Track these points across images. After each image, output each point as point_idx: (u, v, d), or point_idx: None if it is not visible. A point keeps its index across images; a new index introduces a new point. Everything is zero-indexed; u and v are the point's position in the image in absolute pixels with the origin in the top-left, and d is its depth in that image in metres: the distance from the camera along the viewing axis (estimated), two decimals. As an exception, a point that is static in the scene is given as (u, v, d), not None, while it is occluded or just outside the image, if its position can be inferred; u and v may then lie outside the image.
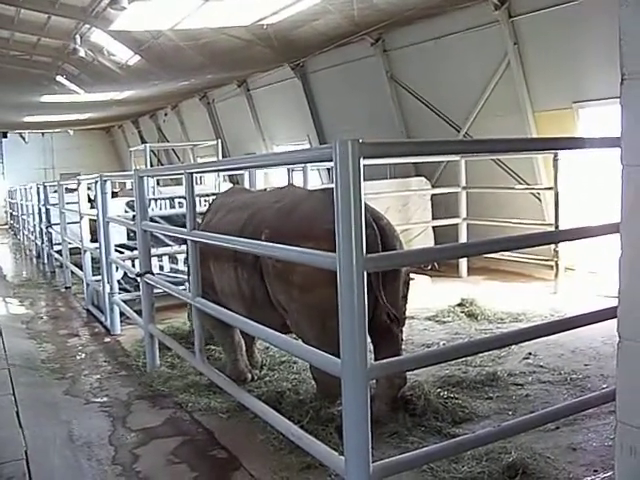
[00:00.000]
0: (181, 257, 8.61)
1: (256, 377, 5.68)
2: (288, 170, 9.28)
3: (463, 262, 10.25)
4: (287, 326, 4.79)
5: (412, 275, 5.11)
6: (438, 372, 5.48)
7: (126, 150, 29.64)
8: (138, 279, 7.78)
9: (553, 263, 9.36)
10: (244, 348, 5.79)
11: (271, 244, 3.73)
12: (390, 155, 3.17)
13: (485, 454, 4.00)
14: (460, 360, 5.74)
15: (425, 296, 8.23)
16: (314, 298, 4.32)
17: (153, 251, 6.76)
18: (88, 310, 9.19)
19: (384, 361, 3.12)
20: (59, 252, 12.50)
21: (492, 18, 9.72)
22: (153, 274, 6.16)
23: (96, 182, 7.69)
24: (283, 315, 4.74)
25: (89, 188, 9.45)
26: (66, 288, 11.38)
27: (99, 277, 8.31)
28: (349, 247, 2.76)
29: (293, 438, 3.54)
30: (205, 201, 8.54)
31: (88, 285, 9.24)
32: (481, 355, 6.05)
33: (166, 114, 23.42)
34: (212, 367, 5.06)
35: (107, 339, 7.67)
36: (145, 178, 5.96)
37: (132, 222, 6.48)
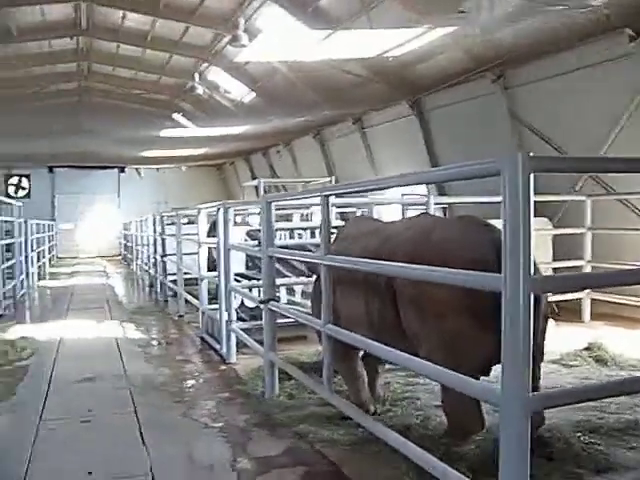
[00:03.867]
0: (298, 289, 8.57)
1: (379, 411, 5.48)
2: (403, 208, 9.16)
3: (586, 306, 9.78)
4: (416, 356, 4.60)
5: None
6: (572, 416, 5.14)
7: (236, 186, 30.40)
8: (260, 306, 7.82)
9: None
10: (366, 380, 5.62)
11: (428, 267, 3.57)
12: (560, 170, 3.00)
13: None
14: (593, 405, 5.39)
15: (548, 339, 7.83)
16: (450, 325, 4.15)
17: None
18: (202, 338, 9.26)
19: (546, 392, 2.89)
20: (173, 282, 12.78)
21: (626, 50, 9.34)
22: (277, 301, 6.11)
23: (218, 209, 7.78)
24: (415, 344, 4.55)
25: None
26: (179, 316, 11.55)
27: (215, 306, 8.38)
28: (516, 267, 2.59)
29: (432, 471, 3.34)
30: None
31: (204, 313, 9.32)
32: (617, 401, 5.68)
33: (278, 151, 23.80)
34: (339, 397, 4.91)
35: (222, 367, 7.67)
36: (273, 205, 5.94)
37: (257, 249, 6.48)
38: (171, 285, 13.11)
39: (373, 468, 4.49)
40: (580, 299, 9.66)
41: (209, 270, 9.21)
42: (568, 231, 10.17)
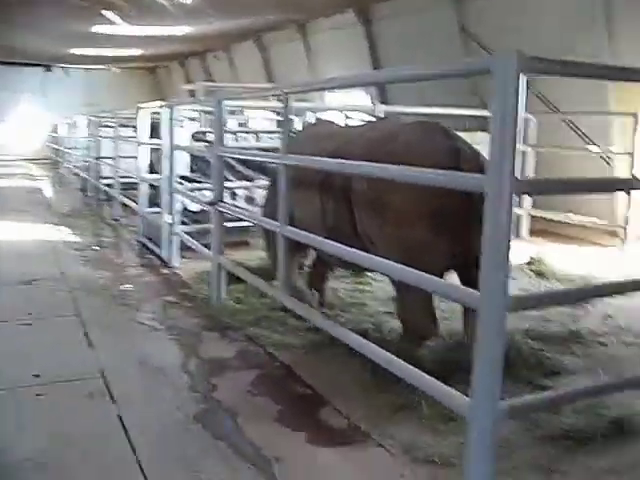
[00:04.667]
0: (242, 194, 8.40)
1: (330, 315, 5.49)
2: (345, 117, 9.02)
3: (524, 223, 9.95)
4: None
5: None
6: (520, 325, 5.25)
7: (170, 91, 29.36)
8: (206, 209, 7.64)
9: (619, 229, 9.07)
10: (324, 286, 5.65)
11: (403, 167, 3.46)
12: (551, 72, 2.92)
13: (588, 408, 3.80)
14: (538, 315, 5.55)
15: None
16: (408, 232, 4.11)
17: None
18: (141, 242, 9.03)
19: (524, 294, 2.89)
20: (108, 186, 12.40)
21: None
22: (226, 203, 5.96)
23: (161, 107, 7.46)
24: (369, 249, 4.50)
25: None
26: (115, 220, 11.25)
27: (156, 209, 8.16)
28: (503, 167, 2.53)
29: (399, 373, 3.34)
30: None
31: (143, 217, 9.06)
32: (560, 312, 5.85)
33: (215, 56, 23.03)
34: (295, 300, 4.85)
35: (165, 271, 7.53)
36: (224, 103, 5.70)
37: (205, 149, 6.27)
38: (106, 189, 12.71)
39: (327, 370, 4.51)
40: (519, 216, 9.80)
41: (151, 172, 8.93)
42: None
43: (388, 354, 3.50)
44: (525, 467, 3.24)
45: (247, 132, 8.78)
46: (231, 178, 8.32)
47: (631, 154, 8.67)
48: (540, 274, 7.35)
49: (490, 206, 2.59)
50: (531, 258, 7.73)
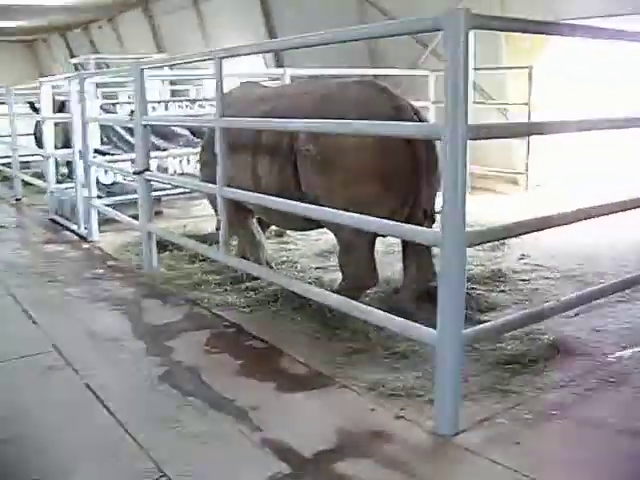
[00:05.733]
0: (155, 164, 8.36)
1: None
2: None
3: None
4: (314, 222, 4.73)
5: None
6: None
7: (50, 66, 28.19)
8: (124, 181, 7.59)
9: (519, 177, 9.61)
10: (265, 247, 5.74)
11: (353, 122, 3.62)
12: (499, 29, 3.14)
13: (525, 334, 4.16)
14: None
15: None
16: (357, 192, 4.27)
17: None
18: (52, 220, 8.83)
19: (483, 229, 3.14)
20: (4, 165, 11.96)
21: None
22: (151, 171, 5.97)
23: (68, 79, 7.29)
24: None
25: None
26: (17, 200, 10.86)
27: (67, 185, 8.02)
28: (457, 116, 2.75)
29: (363, 316, 3.55)
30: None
31: (52, 194, 8.84)
32: (479, 255, 6.24)
33: (100, 27, 22.28)
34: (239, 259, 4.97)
35: (85, 245, 7.42)
36: (145, 72, 5.68)
37: (127, 119, 6.22)
38: (1, 168, 12.23)
39: (276, 325, 4.67)
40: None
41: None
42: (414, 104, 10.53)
43: (352, 301, 3.71)
44: (482, 390, 3.53)
45: (171, 101, 8.70)
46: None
47: (527, 104, 9.15)
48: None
49: (448, 151, 2.81)
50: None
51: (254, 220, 5.70)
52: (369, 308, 3.56)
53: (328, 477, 2.79)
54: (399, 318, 3.32)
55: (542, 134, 3.82)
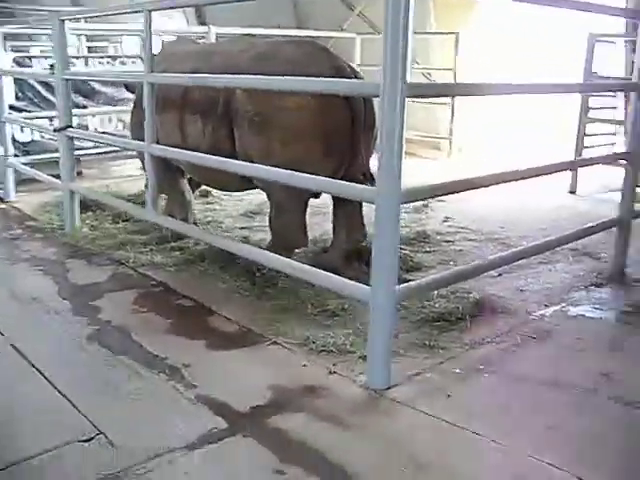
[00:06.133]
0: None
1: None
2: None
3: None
4: (249, 182, 4.69)
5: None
6: (370, 230, 5.62)
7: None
8: (44, 138, 7.33)
9: (443, 141, 9.77)
10: (193, 207, 5.66)
11: (294, 78, 3.58)
12: None
13: (452, 293, 4.27)
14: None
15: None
16: (296, 152, 4.24)
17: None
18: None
19: (415, 187, 3.17)
20: None
21: None
22: (74, 128, 5.77)
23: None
24: None
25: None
26: None
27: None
28: (394, 74, 2.76)
29: (298, 273, 3.56)
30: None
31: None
32: (403, 217, 6.32)
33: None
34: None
35: (2, 206, 7.14)
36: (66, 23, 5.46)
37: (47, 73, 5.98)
38: None
39: (203, 284, 4.65)
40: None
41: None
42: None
43: (286, 259, 3.72)
44: (411, 346, 3.62)
45: (91, 57, 8.39)
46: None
47: (452, 69, 9.29)
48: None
49: (386, 108, 2.82)
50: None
51: (184, 180, 5.61)
52: (304, 266, 3.58)
53: (264, 431, 2.81)
54: (335, 275, 3.35)
55: (478, 95, 3.88)
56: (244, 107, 4.40)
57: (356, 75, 4.38)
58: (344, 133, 4.28)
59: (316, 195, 4.66)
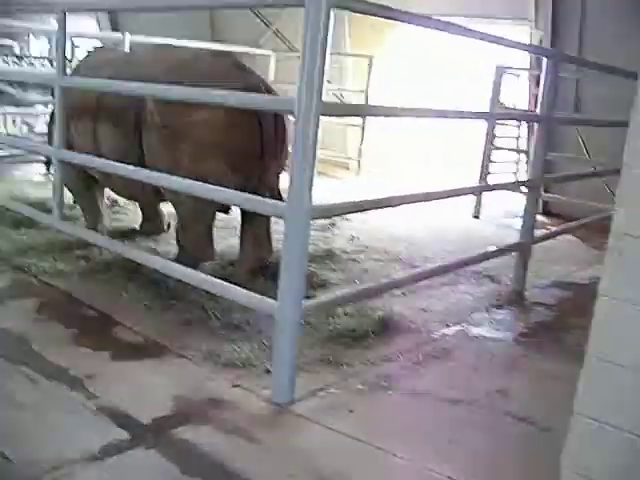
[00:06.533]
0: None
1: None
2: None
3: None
4: (158, 193, 4.66)
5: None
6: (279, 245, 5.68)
7: None
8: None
9: (352, 162, 9.94)
10: (106, 217, 5.56)
11: (209, 90, 3.58)
12: (358, 11, 3.21)
13: (357, 311, 4.36)
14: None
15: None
16: (203, 167, 4.24)
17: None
18: None
19: (324, 204, 3.24)
20: None
21: None
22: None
23: None
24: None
25: None
26: None
27: None
28: (310, 91, 2.83)
29: (205, 285, 3.56)
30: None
31: None
32: (310, 235, 6.40)
33: None
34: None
35: None
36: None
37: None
38: None
39: (107, 294, 4.54)
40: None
41: None
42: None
43: (194, 271, 3.71)
44: (316, 362, 3.67)
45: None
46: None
47: (364, 92, 9.50)
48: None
49: (300, 125, 2.88)
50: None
51: (99, 189, 5.52)
52: (213, 279, 3.59)
53: (168, 442, 2.80)
54: (242, 289, 3.37)
55: (390, 117, 4.00)
56: (154, 119, 4.37)
57: (270, 91, 4.44)
58: (253, 149, 4.32)
59: (226, 211, 4.68)
